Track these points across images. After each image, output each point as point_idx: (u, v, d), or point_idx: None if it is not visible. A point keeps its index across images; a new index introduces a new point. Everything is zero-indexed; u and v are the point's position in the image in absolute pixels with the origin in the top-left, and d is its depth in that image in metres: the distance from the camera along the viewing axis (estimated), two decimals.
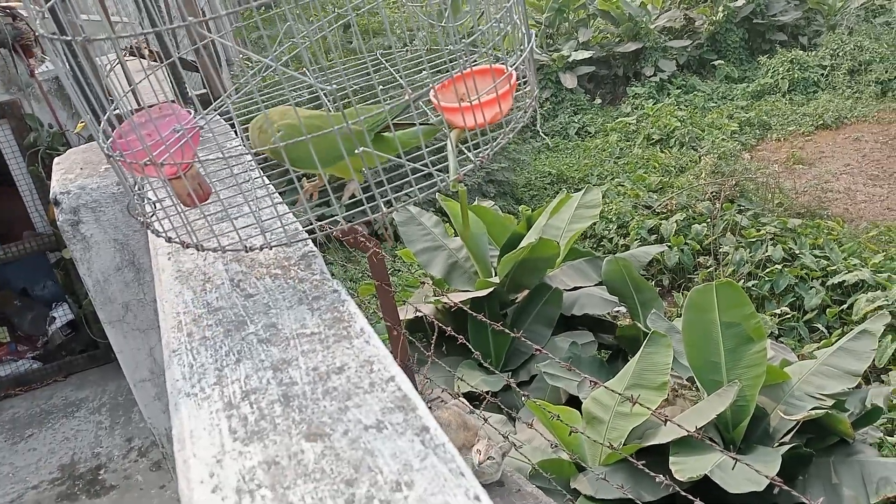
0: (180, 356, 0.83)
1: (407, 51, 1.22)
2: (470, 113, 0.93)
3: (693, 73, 11.89)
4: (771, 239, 6.93)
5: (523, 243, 5.43)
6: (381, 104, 0.95)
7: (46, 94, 3.27)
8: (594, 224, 7.76)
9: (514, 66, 0.98)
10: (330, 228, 0.99)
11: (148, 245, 1.47)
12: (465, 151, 0.96)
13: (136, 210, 0.99)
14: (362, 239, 2.60)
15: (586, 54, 11.42)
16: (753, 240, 7.03)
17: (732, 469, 2.99)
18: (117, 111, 0.97)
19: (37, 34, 0.96)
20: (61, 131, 3.38)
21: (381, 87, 0.99)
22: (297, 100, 1.22)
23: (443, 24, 1.09)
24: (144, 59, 2.61)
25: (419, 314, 4.69)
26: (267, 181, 1.10)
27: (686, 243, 7.37)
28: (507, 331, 2.29)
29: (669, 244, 7.35)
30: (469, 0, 1.01)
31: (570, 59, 11.47)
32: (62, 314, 3.97)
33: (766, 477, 1.62)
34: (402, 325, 5.97)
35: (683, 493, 1.75)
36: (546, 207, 6.13)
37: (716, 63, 11.80)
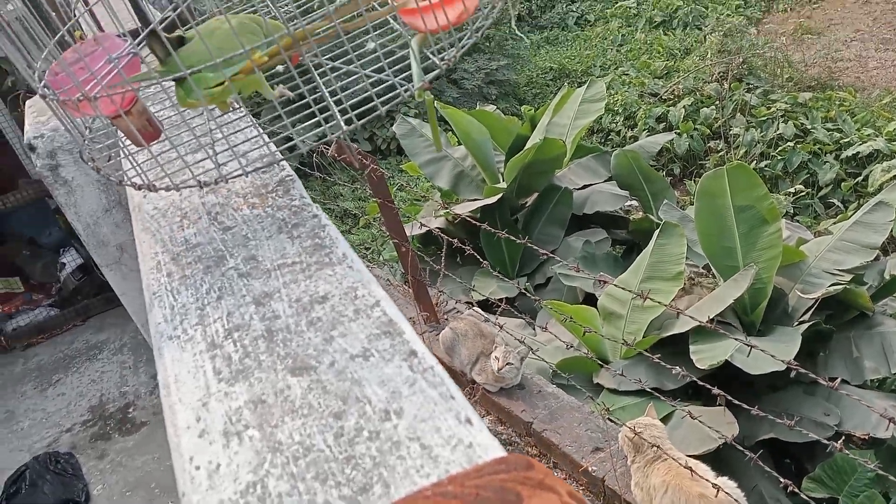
0: (161, 298, 0.80)
1: None
2: (431, 13, 0.84)
3: None
4: (782, 116, 6.74)
5: (528, 145, 5.32)
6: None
7: (12, 29, 3.14)
8: (600, 118, 7.58)
9: None
10: (324, 147, 0.92)
11: None
12: (430, 56, 0.88)
13: (86, 153, 0.93)
14: (359, 156, 2.54)
15: None
16: (764, 118, 6.84)
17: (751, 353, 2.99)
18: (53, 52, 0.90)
19: None
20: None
21: None
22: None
23: None
24: None
25: (430, 228, 4.65)
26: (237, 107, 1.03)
27: (695, 129, 7.19)
28: (513, 238, 2.25)
29: (678, 131, 7.17)
30: None
31: None
32: (71, 259, 3.98)
33: (783, 362, 1.60)
34: (415, 241, 5.97)
35: (705, 385, 1.74)
36: (549, 105, 5.96)
37: None
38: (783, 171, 6.28)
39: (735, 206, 3.82)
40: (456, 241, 2.60)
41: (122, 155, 0.92)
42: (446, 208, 5.43)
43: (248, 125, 1.01)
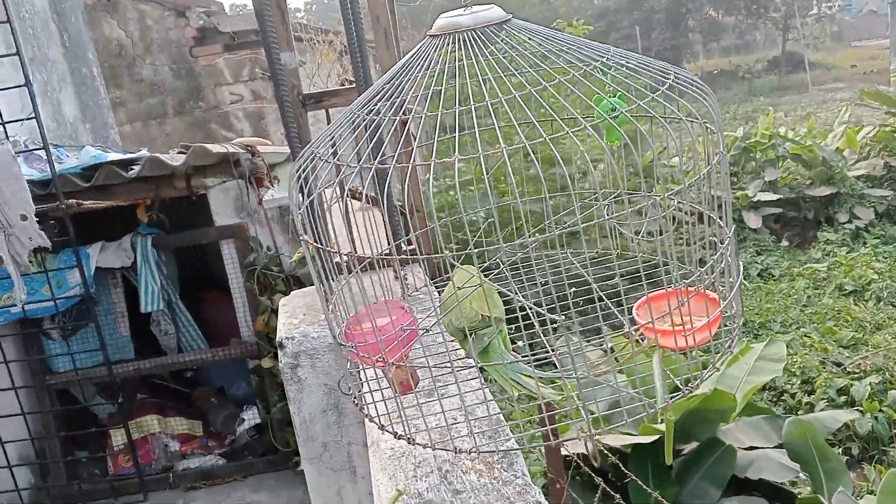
0: None
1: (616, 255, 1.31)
2: (682, 336, 0.97)
3: (894, 223, 11.05)
4: None
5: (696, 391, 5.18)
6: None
7: (269, 221, 3.73)
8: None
9: (728, 300, 1.02)
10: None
11: None
12: (673, 377, 1.00)
13: (350, 392, 1.10)
14: None
15: (773, 197, 11.07)
16: None
17: None
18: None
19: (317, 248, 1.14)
20: (277, 254, 3.83)
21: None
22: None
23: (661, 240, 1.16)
24: (359, 200, 2.90)
25: (574, 456, 4.54)
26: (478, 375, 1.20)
27: (881, 410, 6.65)
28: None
29: (861, 409, 6.66)
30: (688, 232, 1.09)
31: (755, 199, 11.14)
32: (251, 416, 4.31)
33: None
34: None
35: None
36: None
37: None
38: None
39: None
40: (601, 482, 2.56)
41: (388, 398, 1.07)
42: (597, 433, 5.30)
43: (490, 399, 1.16)
